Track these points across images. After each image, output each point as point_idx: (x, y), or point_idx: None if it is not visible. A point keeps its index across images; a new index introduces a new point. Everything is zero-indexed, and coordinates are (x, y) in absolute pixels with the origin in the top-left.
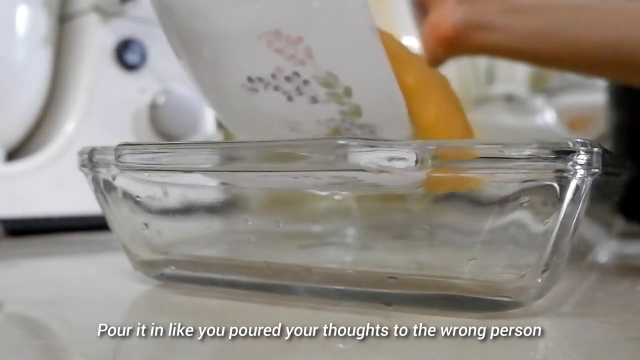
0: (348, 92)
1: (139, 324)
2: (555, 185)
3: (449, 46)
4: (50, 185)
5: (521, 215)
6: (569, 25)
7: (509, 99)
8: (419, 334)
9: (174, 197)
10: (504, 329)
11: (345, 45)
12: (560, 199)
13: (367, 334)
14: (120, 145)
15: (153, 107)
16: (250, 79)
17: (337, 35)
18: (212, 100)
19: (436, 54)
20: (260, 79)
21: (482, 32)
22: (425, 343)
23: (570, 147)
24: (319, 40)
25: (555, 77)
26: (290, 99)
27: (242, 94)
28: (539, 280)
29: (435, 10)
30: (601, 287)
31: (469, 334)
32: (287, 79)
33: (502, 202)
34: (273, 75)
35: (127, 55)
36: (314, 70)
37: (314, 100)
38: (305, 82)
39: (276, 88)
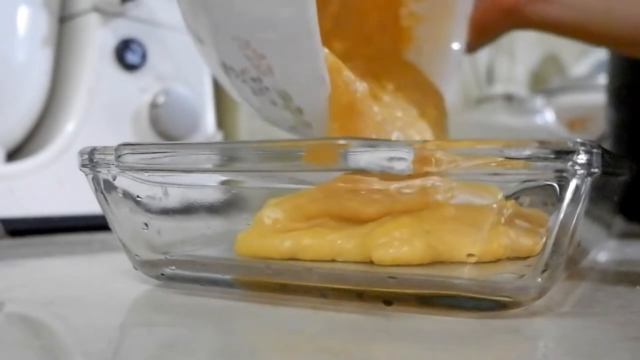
0: (300, 110)
1: (139, 324)
2: (555, 185)
3: (508, 17)
4: (50, 185)
5: None
6: (636, 4)
7: (509, 99)
8: (419, 334)
9: (174, 197)
10: (504, 329)
11: (298, 78)
12: (560, 199)
13: (367, 334)
14: (120, 145)
15: (153, 107)
16: (224, 65)
17: (292, 67)
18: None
19: (494, 25)
20: (231, 69)
21: (543, 4)
22: (425, 343)
23: (570, 147)
24: (278, 65)
25: (555, 77)
26: (254, 93)
27: (221, 72)
28: (539, 280)
29: None
30: (601, 287)
31: (469, 334)
32: (253, 79)
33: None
34: (242, 71)
35: (127, 55)
36: (273, 84)
37: (274, 103)
38: (267, 88)
39: (244, 81)
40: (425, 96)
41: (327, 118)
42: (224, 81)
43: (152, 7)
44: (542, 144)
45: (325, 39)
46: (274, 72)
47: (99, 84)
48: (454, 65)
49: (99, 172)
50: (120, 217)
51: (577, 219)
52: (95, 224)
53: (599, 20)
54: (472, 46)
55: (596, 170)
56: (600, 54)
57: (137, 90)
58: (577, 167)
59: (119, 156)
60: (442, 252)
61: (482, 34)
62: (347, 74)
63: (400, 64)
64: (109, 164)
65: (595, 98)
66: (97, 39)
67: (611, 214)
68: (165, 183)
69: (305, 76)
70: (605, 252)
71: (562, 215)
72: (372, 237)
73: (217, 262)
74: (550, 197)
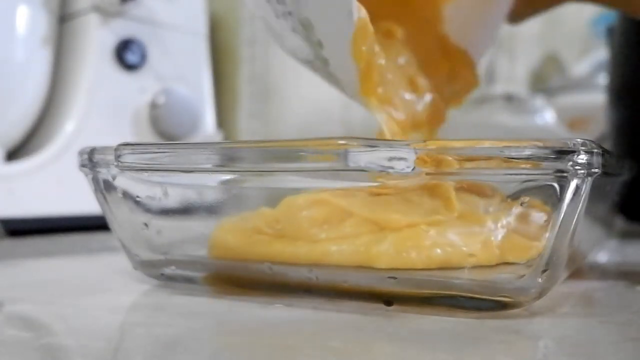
0: (320, 44)
1: (139, 324)
2: (555, 185)
3: None
4: (50, 185)
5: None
6: None
7: (509, 99)
8: (419, 334)
9: (174, 197)
10: (504, 329)
11: (324, 7)
12: (560, 199)
13: (367, 334)
14: (120, 145)
15: (153, 107)
16: None
17: None
18: None
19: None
20: None
21: None
22: (425, 343)
23: (570, 147)
24: None
25: (555, 77)
26: (277, 16)
27: None
28: (539, 280)
29: None
30: (601, 287)
31: (470, 334)
32: (277, 0)
33: (502, 202)
34: None
35: (127, 55)
36: (297, 9)
37: (294, 30)
38: (290, 13)
39: (268, 1)
40: (455, 64)
41: (347, 61)
42: None
43: (152, 7)
44: (542, 144)
45: None
46: None
47: (98, 84)
48: (489, 35)
49: (98, 172)
50: (120, 217)
51: (577, 219)
52: (95, 224)
53: None
54: (518, 15)
55: (596, 170)
56: (601, 54)
57: (137, 90)
58: (577, 167)
59: (119, 156)
60: (446, 258)
61: (531, 2)
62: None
63: (434, 34)
64: (108, 163)
65: (595, 98)
66: (97, 39)
67: (611, 214)
68: (165, 183)
69: (332, 7)
70: (605, 252)
71: (562, 215)
72: (375, 245)
73: (217, 262)
74: (550, 197)
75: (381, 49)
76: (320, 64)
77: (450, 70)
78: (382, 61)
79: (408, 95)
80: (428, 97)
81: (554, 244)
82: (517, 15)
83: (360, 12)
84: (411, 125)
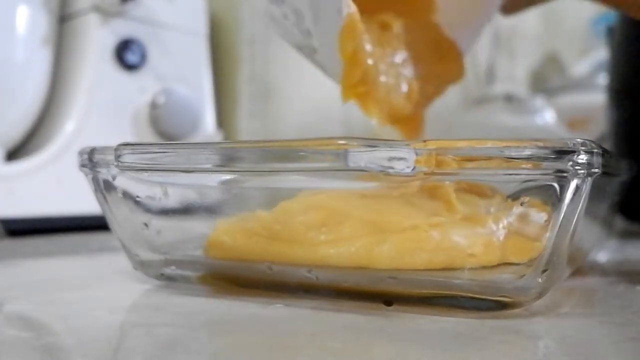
0: (309, 33)
1: (139, 324)
2: (555, 185)
3: None
4: (50, 185)
5: None
6: None
7: (509, 99)
8: (419, 334)
9: (174, 197)
10: (504, 329)
11: (315, 1)
12: (560, 199)
13: (367, 334)
14: (120, 145)
15: (153, 107)
16: None
17: None
18: None
19: None
20: None
21: None
22: (425, 343)
23: (570, 147)
24: None
25: (555, 77)
26: (271, 2)
27: None
28: (539, 280)
29: None
30: (601, 287)
31: (469, 334)
32: None
33: (503, 202)
34: None
35: (127, 55)
36: None
37: (286, 17)
38: (283, 0)
39: None
40: (444, 56)
41: (334, 54)
42: None
43: (152, 7)
44: (542, 144)
45: None
46: None
47: (98, 84)
48: (477, 28)
49: (98, 172)
50: (120, 217)
51: (577, 218)
52: (95, 224)
53: None
54: (511, 8)
55: (596, 170)
56: (601, 54)
57: (137, 90)
58: (577, 167)
59: (119, 156)
60: (448, 259)
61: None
62: (363, 40)
63: (427, 25)
64: (108, 163)
65: (595, 98)
66: (97, 39)
67: (611, 214)
68: (165, 183)
69: (322, 2)
70: (605, 252)
71: (562, 215)
72: (377, 247)
73: (217, 262)
74: (551, 197)
75: (375, 47)
76: (308, 52)
77: (440, 62)
78: (371, 61)
79: (391, 91)
80: (412, 93)
81: (554, 244)
82: (510, 7)
83: (350, 8)
84: (390, 120)
